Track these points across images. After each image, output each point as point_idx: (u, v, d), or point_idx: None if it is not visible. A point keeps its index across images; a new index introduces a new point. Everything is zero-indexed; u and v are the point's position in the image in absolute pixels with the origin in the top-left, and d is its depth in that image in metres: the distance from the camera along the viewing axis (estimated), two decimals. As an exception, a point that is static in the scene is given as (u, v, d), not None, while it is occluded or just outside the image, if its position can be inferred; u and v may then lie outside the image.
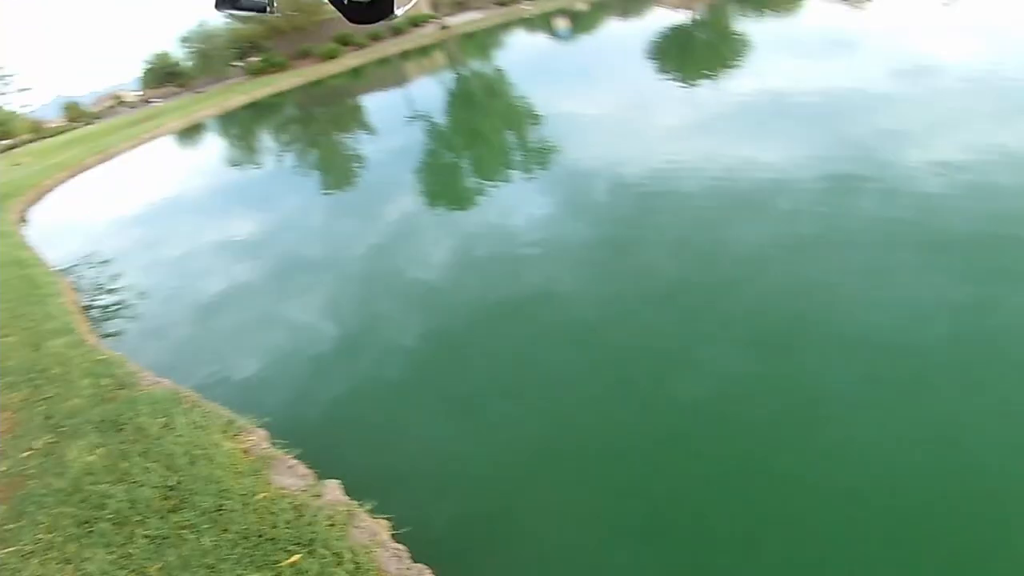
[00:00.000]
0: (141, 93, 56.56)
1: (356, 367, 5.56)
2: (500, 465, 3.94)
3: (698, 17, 27.47)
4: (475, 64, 31.86)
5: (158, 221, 14.17)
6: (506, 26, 44.93)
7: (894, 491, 3.22)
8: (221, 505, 3.12)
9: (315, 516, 3.03)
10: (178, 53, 51.64)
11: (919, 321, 4.36)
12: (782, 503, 3.29)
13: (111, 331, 7.70)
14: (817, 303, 4.83)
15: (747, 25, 21.82)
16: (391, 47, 45.64)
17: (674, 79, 15.63)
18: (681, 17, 28.77)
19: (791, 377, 4.12)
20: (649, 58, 19.75)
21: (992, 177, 6.08)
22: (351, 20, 1.35)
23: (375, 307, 6.76)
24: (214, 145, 26.96)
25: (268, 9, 1.30)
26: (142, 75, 56.89)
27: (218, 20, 48.18)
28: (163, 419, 4.13)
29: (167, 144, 28.57)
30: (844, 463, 3.42)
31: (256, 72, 47.85)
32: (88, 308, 8.58)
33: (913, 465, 3.34)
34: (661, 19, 27.59)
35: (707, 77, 14.31)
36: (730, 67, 14.72)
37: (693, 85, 14.13)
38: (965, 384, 3.81)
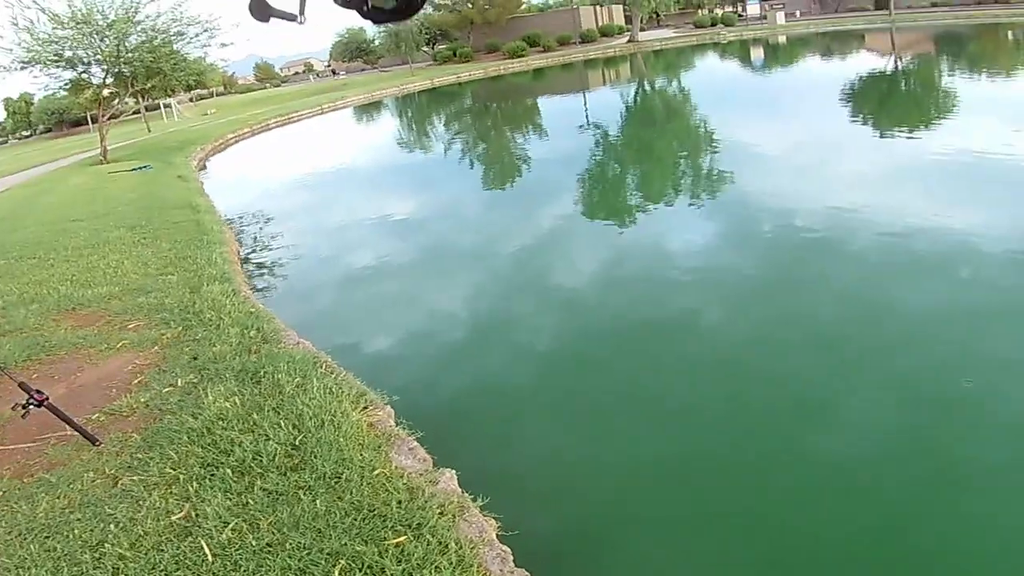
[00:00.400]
0: (329, 64, 59.99)
1: (486, 363, 5.55)
2: (616, 483, 3.87)
3: (905, 66, 25.69)
4: (659, 81, 31.15)
5: (324, 189, 14.63)
6: (698, 48, 43.91)
7: None
8: (340, 473, 3.17)
9: (427, 502, 2.98)
10: (371, 31, 54.22)
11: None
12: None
13: (263, 286, 7.89)
14: (982, 380, 4.41)
15: (956, 81, 20.06)
16: (577, 53, 45.77)
17: (868, 126, 14.91)
18: (886, 63, 27.06)
19: (936, 453, 3.81)
20: (844, 101, 18.74)
21: None
22: (374, 21, 1.34)
23: (514, 307, 6.68)
24: (389, 124, 27.99)
25: (299, 20, 1.33)
26: (332, 47, 60.22)
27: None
28: (299, 379, 4.15)
29: (346, 116, 29.92)
30: (985, 540, 3.19)
31: (442, 60, 49.53)
32: (246, 261, 8.81)
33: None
34: (864, 63, 26.06)
35: (904, 129, 13.55)
36: (932, 123, 13.89)
37: (887, 135, 13.38)
38: None
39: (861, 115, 16.52)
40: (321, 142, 24.23)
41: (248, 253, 9.40)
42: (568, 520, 3.61)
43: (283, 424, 3.60)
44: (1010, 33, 36.38)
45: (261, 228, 11.07)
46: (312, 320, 6.55)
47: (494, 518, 3.13)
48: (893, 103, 18.31)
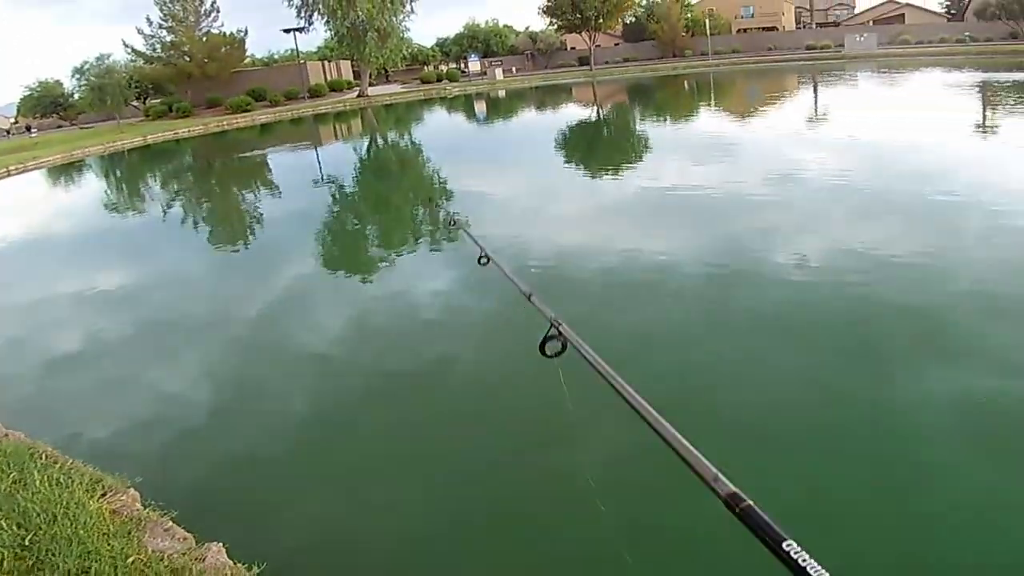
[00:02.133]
0: (15, 120, 52.44)
1: (239, 432, 5.21)
2: (382, 545, 3.82)
3: (605, 115, 29.03)
4: (392, 134, 31.61)
5: (13, 264, 12.52)
6: (426, 102, 45.42)
7: None
8: (87, 567, 2.95)
9: None
10: (68, 84, 48.41)
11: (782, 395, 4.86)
12: None
13: None
14: (697, 377, 5.22)
15: (648, 127, 24.03)
16: (306, 107, 44.92)
17: (578, 169, 16.96)
18: (590, 113, 30.29)
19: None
20: (558, 147, 20.76)
21: (843, 272, 7.06)
22: None
23: (259, 371, 6.31)
24: (95, 185, 24.94)
25: None
26: (20, 101, 52.79)
27: (120, 55, 45.91)
28: (15, 474, 3.78)
29: (40, 178, 26.24)
30: None
31: (156, 115, 45.77)
32: None
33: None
34: (571, 114, 28.83)
35: (609, 170, 15.64)
36: (630, 163, 16.25)
37: (595, 177, 15.31)
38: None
39: (573, 160, 18.56)
40: (8, 209, 20.82)
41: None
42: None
43: (4, 525, 3.24)
44: (686, 83, 42.83)
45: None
46: (21, 409, 5.59)
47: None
48: (597, 148, 20.74)
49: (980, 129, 16.44)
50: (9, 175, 26.72)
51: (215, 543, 3.22)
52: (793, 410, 4.63)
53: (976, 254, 7.38)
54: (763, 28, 69.19)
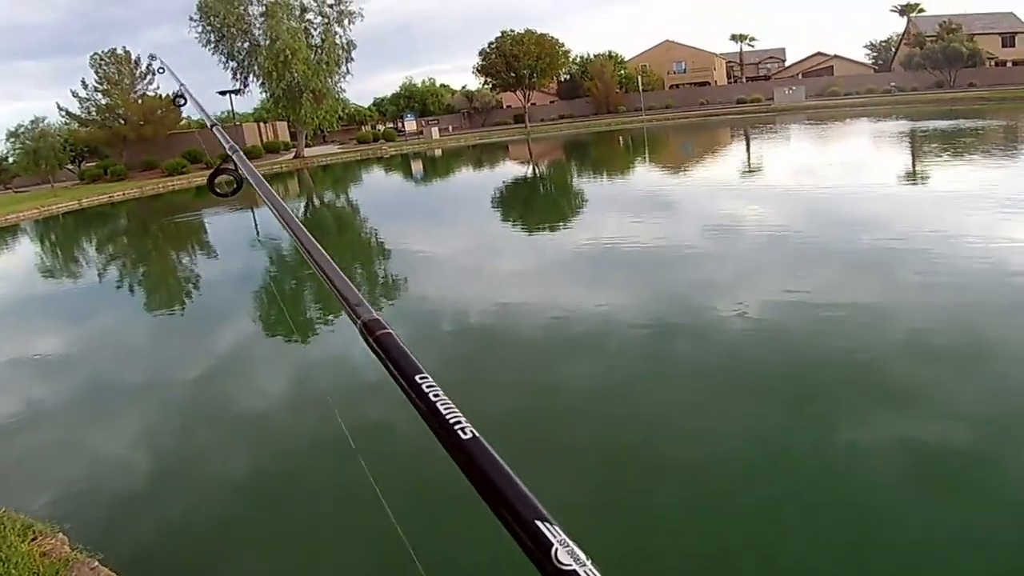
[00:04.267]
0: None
1: (164, 488, 5.41)
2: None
3: (542, 172, 29.98)
4: (328, 195, 32.07)
5: None
6: (363, 162, 46.06)
7: None
8: None
9: None
10: (1, 147, 47.62)
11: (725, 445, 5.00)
12: None
13: None
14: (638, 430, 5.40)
15: (584, 184, 24.89)
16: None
17: (516, 227, 17.29)
18: (527, 171, 31.23)
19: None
20: (495, 205, 21.44)
21: (784, 321, 7.34)
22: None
23: (185, 433, 6.48)
24: (27, 251, 24.76)
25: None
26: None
27: (54, 118, 45.49)
28: None
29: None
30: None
31: (90, 178, 45.34)
32: None
33: None
34: (508, 171, 29.72)
35: (547, 227, 16.07)
36: (568, 219, 16.68)
37: (533, 233, 15.73)
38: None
39: (511, 218, 19.04)
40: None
41: None
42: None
43: None
44: (620, 139, 44.43)
45: None
46: None
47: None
48: (535, 205, 21.35)
49: (909, 177, 17.37)
50: (-64, 242, 26.29)
51: None
52: (735, 460, 4.73)
53: (911, 300, 7.62)
54: (695, 83, 71.19)
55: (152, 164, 45.32)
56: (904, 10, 65.02)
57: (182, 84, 3.22)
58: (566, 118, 65.49)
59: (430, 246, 14.75)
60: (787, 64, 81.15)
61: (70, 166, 47.65)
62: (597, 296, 9.14)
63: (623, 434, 5.37)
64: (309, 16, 46.67)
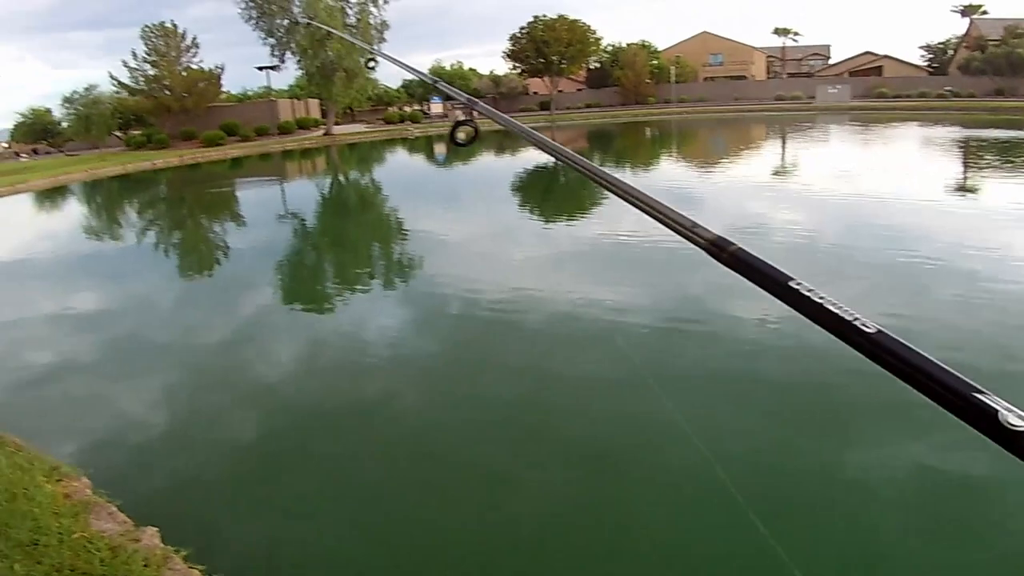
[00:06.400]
0: (8, 145, 53.98)
1: (185, 442, 5.68)
2: (302, 552, 4.09)
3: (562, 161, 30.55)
4: (353, 173, 33.35)
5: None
6: (389, 143, 47.14)
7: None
8: (37, 540, 3.27)
9: (130, 557, 3.21)
10: (57, 112, 50.24)
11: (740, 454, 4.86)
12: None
13: None
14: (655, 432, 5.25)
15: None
16: (275, 144, 46.97)
17: (533, 215, 17.60)
18: (547, 159, 31.92)
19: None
20: (514, 192, 21.97)
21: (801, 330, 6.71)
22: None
23: (209, 391, 6.82)
24: (75, 211, 26.51)
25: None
26: (13, 128, 54.48)
27: (106, 87, 47.69)
28: None
29: (25, 202, 27.81)
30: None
31: (135, 145, 47.55)
32: None
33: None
34: (530, 159, 30.34)
35: (562, 218, 16.20)
36: (584, 212, 16.33)
37: (550, 223, 15.94)
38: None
39: (528, 206, 19.21)
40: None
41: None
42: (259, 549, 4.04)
43: None
44: (648, 130, 44.42)
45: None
46: None
47: (199, 568, 3.39)
48: (553, 195, 21.57)
49: (958, 189, 16.39)
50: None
51: (151, 527, 3.52)
52: (752, 473, 4.56)
53: (948, 319, 7.17)
54: (732, 77, 69.19)
55: (191, 134, 47.28)
56: (966, 11, 61.60)
57: (375, 54, 3.44)
58: (593, 107, 65.32)
59: (446, 229, 14.87)
60: (832, 62, 78.00)
61: (118, 133, 50.01)
62: (603, 292, 8.97)
63: (631, 438, 5.26)
64: (346, -6, 47.94)
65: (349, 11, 48.01)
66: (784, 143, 32.27)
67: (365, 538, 4.22)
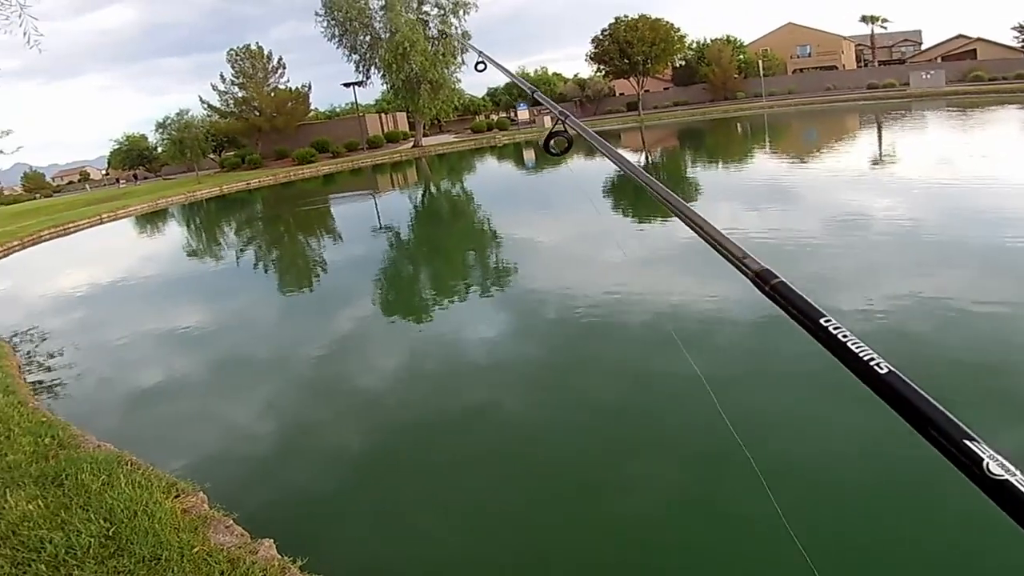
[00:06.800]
0: (107, 172, 56.79)
1: (295, 454, 5.77)
2: (411, 558, 4.14)
3: (654, 160, 29.74)
4: (444, 183, 33.17)
5: (104, 303, 13.76)
6: (477, 151, 47.06)
7: None
8: (159, 555, 3.36)
9: (249, 568, 3.27)
10: (151, 137, 52.32)
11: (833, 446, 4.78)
12: None
13: (51, 398, 7.59)
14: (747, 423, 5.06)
15: (698, 171, 24.11)
16: (365, 158, 47.37)
17: (627, 216, 16.99)
18: (639, 159, 31.00)
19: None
20: (605, 194, 21.28)
21: (904, 320, 6.92)
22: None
23: (315, 403, 6.88)
24: (175, 233, 27.22)
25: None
26: (110, 154, 57.25)
27: (197, 110, 49.34)
28: (105, 477, 4.30)
29: (128, 226, 28.67)
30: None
31: (230, 166, 48.95)
32: (28, 376, 8.43)
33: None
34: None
35: (657, 218, 15.32)
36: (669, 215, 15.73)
37: (645, 223, 15.30)
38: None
39: (620, 207, 18.66)
40: (100, 254, 22.98)
41: (29, 368, 8.93)
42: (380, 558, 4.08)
43: (94, 518, 3.72)
44: (739, 126, 43.02)
45: (38, 345, 10.38)
46: (112, 426, 6.39)
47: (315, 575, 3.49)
48: (644, 198, 20.63)
49: None
50: (103, 222, 29.68)
51: (267, 539, 3.63)
52: (844, 462, 4.53)
53: None
54: (821, 67, 67.85)
55: (283, 153, 48.35)
56: (1058, -12, 58.88)
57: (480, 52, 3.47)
58: (681, 105, 64.29)
59: (538, 234, 14.82)
60: (924, 47, 75.40)
61: (212, 155, 51.65)
62: (704, 288, 8.81)
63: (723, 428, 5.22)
64: (426, 8, 48.21)
65: (430, 23, 48.14)
66: (880, 132, 30.85)
67: (474, 545, 4.23)
